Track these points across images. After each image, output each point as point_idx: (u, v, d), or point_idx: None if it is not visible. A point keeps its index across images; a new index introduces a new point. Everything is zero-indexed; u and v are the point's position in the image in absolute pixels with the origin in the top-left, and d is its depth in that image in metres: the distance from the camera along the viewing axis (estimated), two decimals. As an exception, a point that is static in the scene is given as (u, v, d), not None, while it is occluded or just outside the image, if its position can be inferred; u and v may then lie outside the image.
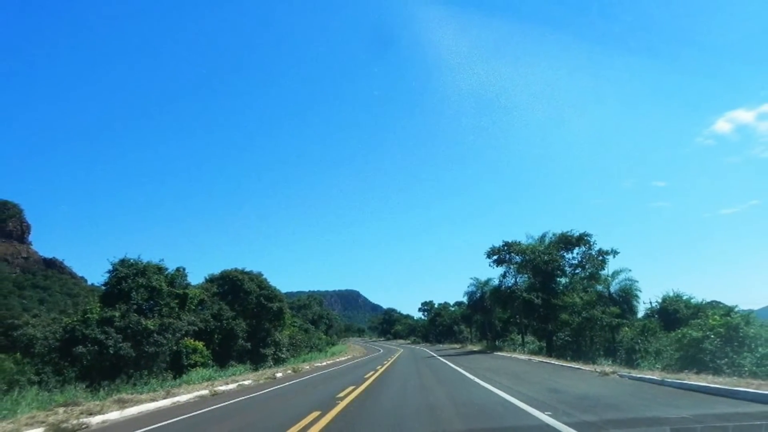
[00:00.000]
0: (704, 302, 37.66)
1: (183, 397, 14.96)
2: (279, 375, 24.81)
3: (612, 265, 40.38)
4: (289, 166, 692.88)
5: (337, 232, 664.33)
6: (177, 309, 26.64)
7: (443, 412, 9.70)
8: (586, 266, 41.82)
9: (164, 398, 14.48)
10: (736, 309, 23.14)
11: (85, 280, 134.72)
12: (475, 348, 55.02)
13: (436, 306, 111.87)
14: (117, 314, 23.02)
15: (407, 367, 27.48)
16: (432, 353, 46.79)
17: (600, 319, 34.70)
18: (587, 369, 18.33)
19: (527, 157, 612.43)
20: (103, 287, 26.15)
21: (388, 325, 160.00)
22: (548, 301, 41.17)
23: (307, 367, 32.37)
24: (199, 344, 27.52)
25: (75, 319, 23.48)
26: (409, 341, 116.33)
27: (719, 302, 37.66)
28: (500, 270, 46.91)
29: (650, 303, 39.65)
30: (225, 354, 31.32)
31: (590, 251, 41.58)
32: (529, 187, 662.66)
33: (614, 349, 32.64)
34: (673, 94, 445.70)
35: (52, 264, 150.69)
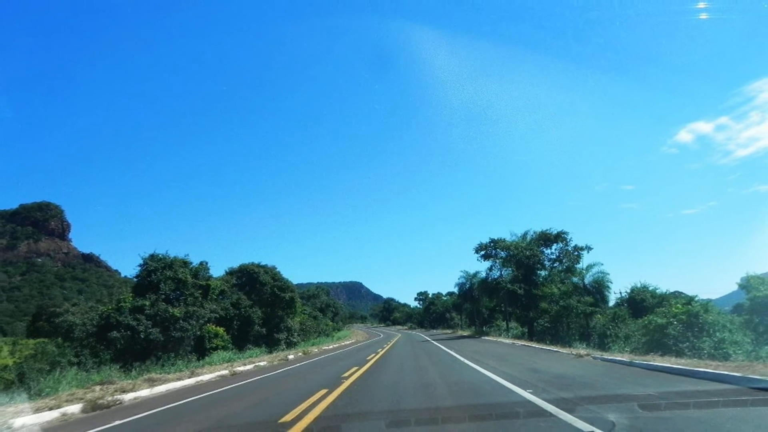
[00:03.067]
0: (668, 292, 37.67)
1: (206, 377, 14.97)
2: (291, 357, 24.80)
3: (586, 259, 40.51)
4: (300, 171, 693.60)
5: (342, 230, 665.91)
6: (200, 298, 26.64)
7: (437, 389, 9.67)
8: (563, 260, 41.82)
9: (189, 377, 14.49)
10: (697, 298, 23.14)
11: (119, 273, 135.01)
12: (465, 333, 55.00)
13: (430, 296, 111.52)
14: (147, 303, 23.04)
15: (404, 350, 27.44)
16: (426, 338, 46.76)
17: (575, 307, 34.75)
18: (564, 352, 18.31)
19: (511, 163, 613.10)
20: (135, 279, 26.11)
21: (387, 312, 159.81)
22: (530, 291, 41.22)
23: (315, 350, 32.35)
24: (220, 330, 27.50)
25: (110, 307, 23.51)
26: (406, 327, 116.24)
27: (681, 292, 37.66)
28: (487, 264, 47.04)
29: (620, 293, 39.74)
30: (243, 338, 31.32)
31: (567, 247, 41.59)
32: (512, 190, 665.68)
33: (588, 334, 32.63)
34: (639, 107, 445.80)
35: (89, 258, 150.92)
